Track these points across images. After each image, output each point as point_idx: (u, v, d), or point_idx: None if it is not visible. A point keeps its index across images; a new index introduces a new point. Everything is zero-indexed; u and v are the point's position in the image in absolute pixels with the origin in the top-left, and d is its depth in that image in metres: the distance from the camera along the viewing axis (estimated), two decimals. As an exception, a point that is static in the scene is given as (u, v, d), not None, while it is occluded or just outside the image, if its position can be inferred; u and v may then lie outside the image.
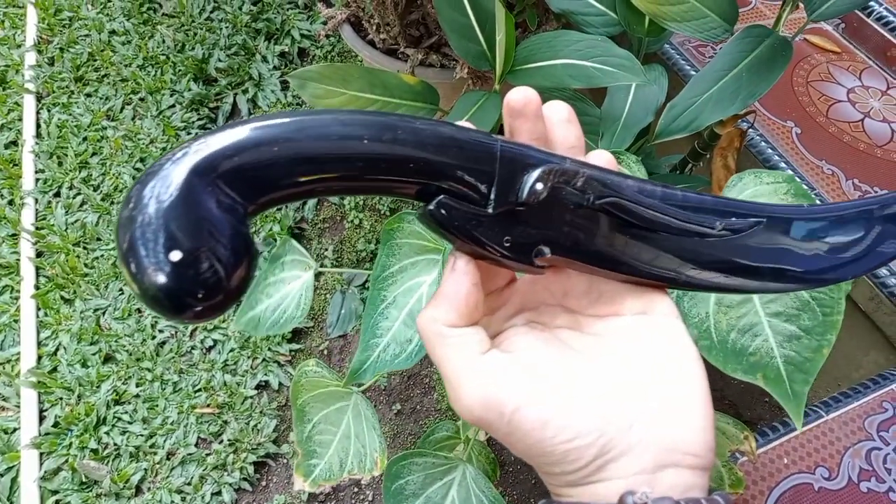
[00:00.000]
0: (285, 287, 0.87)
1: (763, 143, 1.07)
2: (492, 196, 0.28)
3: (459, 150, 0.27)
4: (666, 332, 0.30)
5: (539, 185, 0.28)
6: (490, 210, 0.28)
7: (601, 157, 0.32)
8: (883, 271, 0.95)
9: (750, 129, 1.07)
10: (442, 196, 0.28)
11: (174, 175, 0.23)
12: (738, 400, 1.19)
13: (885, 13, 1.21)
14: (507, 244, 0.28)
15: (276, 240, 1.39)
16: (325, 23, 1.27)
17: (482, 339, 0.29)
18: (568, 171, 0.29)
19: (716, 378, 0.54)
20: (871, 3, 1.22)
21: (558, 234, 0.29)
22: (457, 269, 0.29)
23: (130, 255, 0.22)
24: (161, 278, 0.22)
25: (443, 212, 0.28)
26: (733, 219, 0.32)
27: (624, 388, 0.28)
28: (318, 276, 1.33)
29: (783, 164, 1.05)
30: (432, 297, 0.29)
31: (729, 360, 0.53)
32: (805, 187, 0.54)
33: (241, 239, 0.24)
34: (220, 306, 0.23)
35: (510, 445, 0.27)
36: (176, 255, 0.22)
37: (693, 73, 1.15)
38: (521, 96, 0.29)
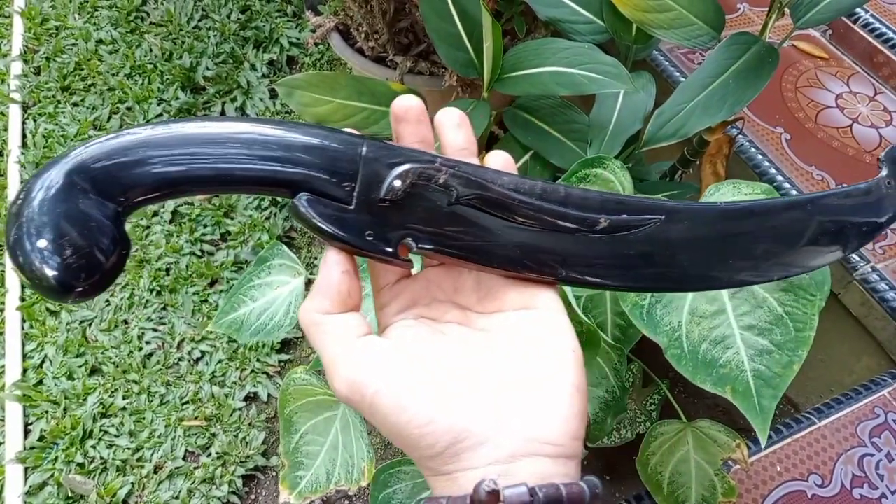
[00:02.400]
0: (272, 292, 0.85)
1: (753, 150, 1.08)
2: (355, 193, 0.29)
3: (321, 150, 0.29)
4: (547, 326, 0.31)
5: (397, 182, 0.29)
6: (352, 206, 0.30)
7: (498, 158, 0.34)
8: (874, 276, 0.95)
9: (739, 136, 1.07)
10: (304, 192, 0.29)
11: (54, 176, 0.26)
12: (731, 407, 1.18)
13: (870, 20, 1.22)
14: (369, 238, 0.30)
15: (264, 248, 1.38)
16: (313, 31, 1.27)
17: (358, 324, 0.30)
18: (430, 168, 0.30)
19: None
20: (857, 10, 1.23)
21: (424, 229, 0.30)
22: (328, 260, 0.30)
23: (17, 245, 0.25)
24: (44, 268, 0.25)
25: (304, 207, 0.29)
26: (624, 216, 0.32)
27: (495, 381, 0.29)
28: (308, 285, 1.32)
29: (773, 170, 1.05)
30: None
31: (699, 371, 0.52)
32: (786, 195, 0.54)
33: (112, 231, 0.27)
34: (98, 286, 0.26)
35: (377, 427, 0.28)
36: (53, 245, 0.25)
37: (682, 79, 1.15)
38: (402, 104, 0.32)
